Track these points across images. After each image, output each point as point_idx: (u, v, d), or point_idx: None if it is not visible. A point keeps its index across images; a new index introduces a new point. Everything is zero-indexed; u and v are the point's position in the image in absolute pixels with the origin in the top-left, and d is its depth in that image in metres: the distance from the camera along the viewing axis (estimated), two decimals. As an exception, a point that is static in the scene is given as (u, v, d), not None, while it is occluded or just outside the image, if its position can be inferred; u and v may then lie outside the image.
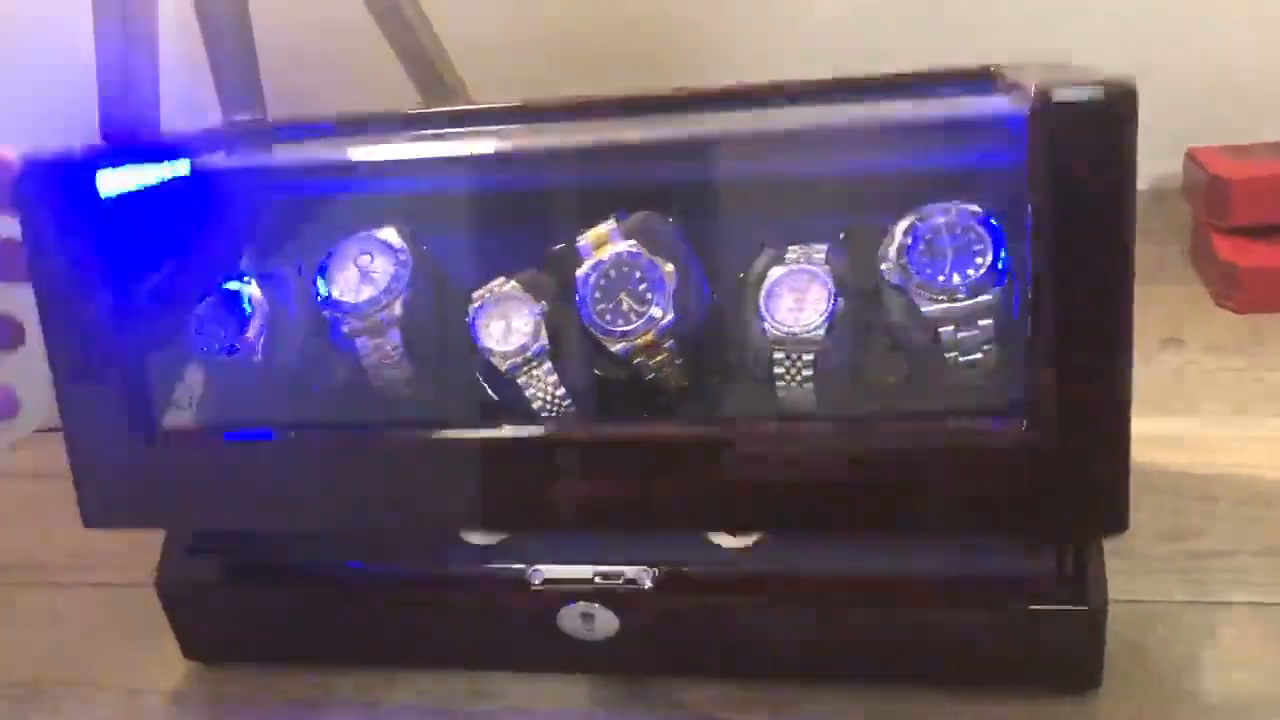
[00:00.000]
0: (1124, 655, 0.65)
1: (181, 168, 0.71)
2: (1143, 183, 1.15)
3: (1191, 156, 1.04)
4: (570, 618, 0.66)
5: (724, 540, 0.67)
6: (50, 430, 0.66)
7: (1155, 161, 1.13)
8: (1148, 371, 0.90)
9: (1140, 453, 0.81)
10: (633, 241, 0.65)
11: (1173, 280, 1.01)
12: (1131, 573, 0.71)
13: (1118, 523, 0.57)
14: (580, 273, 0.65)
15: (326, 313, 0.67)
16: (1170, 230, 1.07)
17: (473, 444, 0.63)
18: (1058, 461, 0.56)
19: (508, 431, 0.63)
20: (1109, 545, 0.63)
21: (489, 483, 0.63)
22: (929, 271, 0.60)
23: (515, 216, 0.76)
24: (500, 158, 0.76)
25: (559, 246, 0.69)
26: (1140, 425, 0.85)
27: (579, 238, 0.67)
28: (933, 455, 0.58)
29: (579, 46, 0.99)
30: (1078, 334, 0.55)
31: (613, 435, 0.63)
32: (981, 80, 0.70)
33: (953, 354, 0.61)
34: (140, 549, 0.73)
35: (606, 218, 0.67)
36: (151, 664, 0.75)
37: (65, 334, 0.64)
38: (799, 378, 0.62)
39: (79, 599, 0.83)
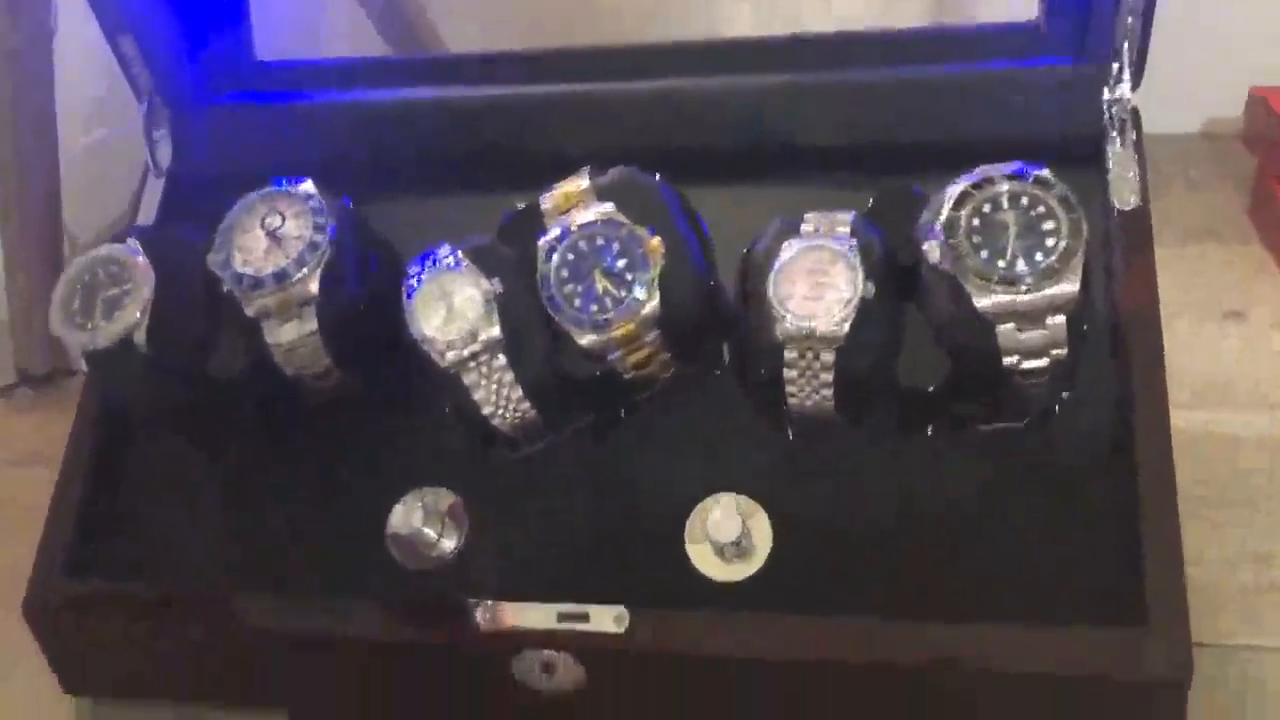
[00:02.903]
0: (1200, 716, 0.53)
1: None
2: (1196, 125, 1.02)
3: (1256, 98, 0.90)
4: (527, 666, 0.54)
5: (713, 571, 0.55)
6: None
7: (1212, 102, 1.00)
8: (1208, 352, 0.78)
9: (1204, 453, 0.70)
10: (610, 205, 0.52)
11: (1233, 239, 0.88)
12: (1204, 608, 0.59)
13: None
14: (543, 243, 0.52)
15: (227, 287, 0.54)
16: (1228, 181, 0.94)
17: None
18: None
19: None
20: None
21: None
22: (985, 253, 0.47)
23: (473, 174, 0.63)
24: (459, 104, 0.63)
25: (520, 207, 0.55)
26: (1202, 418, 0.75)
27: (543, 196, 0.54)
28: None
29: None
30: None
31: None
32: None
33: (1012, 358, 0.48)
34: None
35: (578, 172, 0.54)
36: (18, 698, 0.62)
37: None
38: (814, 384, 0.49)
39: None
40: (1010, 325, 0.47)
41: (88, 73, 0.84)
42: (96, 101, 0.87)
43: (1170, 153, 0.97)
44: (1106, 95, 0.57)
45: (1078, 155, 0.57)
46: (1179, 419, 0.56)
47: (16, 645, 0.61)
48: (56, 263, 0.84)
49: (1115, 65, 0.57)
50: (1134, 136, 0.57)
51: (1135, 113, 0.58)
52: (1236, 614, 0.60)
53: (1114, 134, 0.57)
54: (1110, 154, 0.57)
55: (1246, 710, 0.55)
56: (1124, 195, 0.56)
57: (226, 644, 0.57)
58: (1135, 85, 0.57)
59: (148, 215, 0.66)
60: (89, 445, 0.61)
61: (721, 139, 0.61)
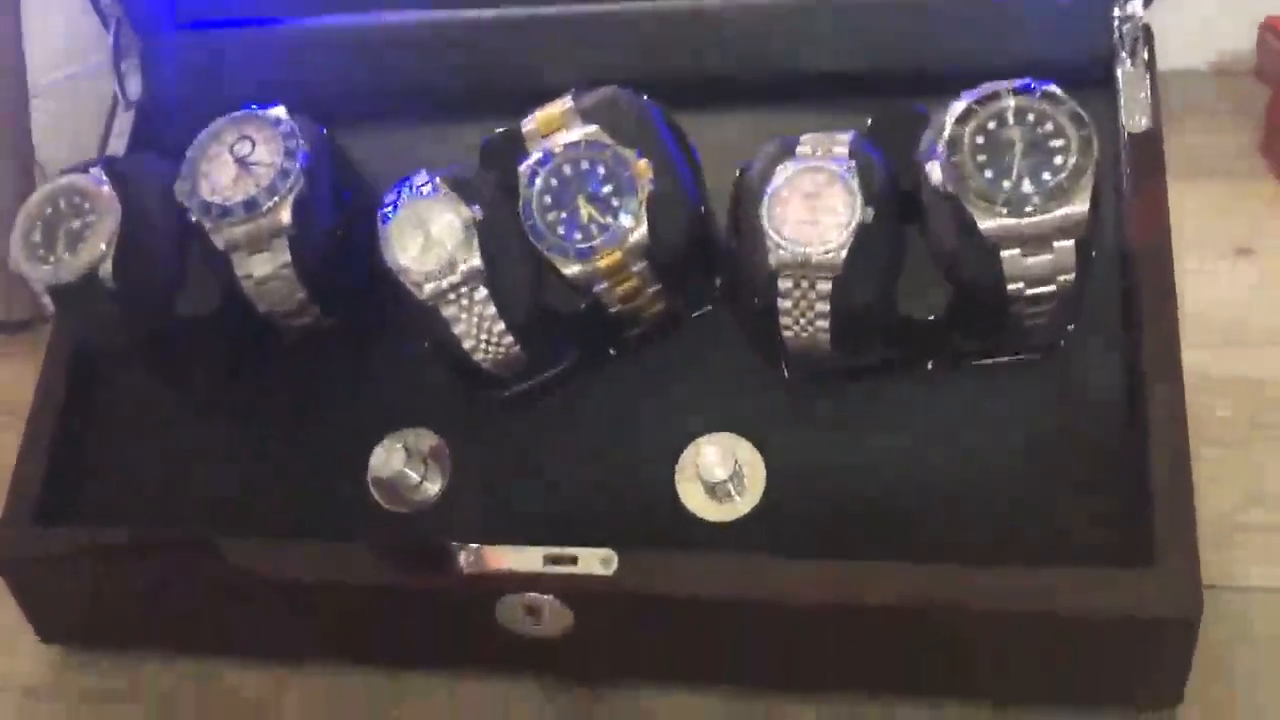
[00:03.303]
0: (1207, 657, 0.52)
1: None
2: (1205, 60, 0.99)
3: (1270, 29, 0.87)
4: (511, 610, 0.52)
5: (704, 511, 0.52)
6: None
7: (1223, 34, 0.97)
8: (1218, 290, 0.75)
9: (1213, 395, 0.68)
10: (594, 127, 0.50)
11: (1244, 175, 0.85)
12: (1212, 547, 0.57)
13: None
14: (524, 168, 0.50)
15: (194, 217, 0.51)
16: (1239, 117, 0.91)
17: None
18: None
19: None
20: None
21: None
22: (989, 173, 0.45)
23: (456, 101, 0.60)
24: (440, 27, 0.60)
25: (499, 131, 0.53)
26: (1211, 359, 0.72)
27: (524, 119, 0.51)
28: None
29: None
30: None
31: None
32: None
33: (1016, 285, 0.46)
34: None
35: (562, 94, 0.52)
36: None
37: None
38: (810, 314, 0.47)
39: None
40: (1015, 250, 0.45)
41: (56, 5, 0.81)
42: (66, 36, 0.84)
43: (1180, 87, 0.94)
44: (1117, 12, 0.55)
45: (1087, 77, 0.54)
46: (1186, 355, 0.55)
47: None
48: (28, 204, 0.82)
49: (1128, -21, 0.54)
50: (1145, 56, 0.55)
51: (1147, 30, 0.55)
52: (1241, 555, 0.58)
53: (1124, 53, 0.55)
54: (1120, 74, 0.54)
55: (1252, 651, 0.54)
56: (1135, 117, 0.54)
57: (203, 589, 0.56)
58: (1148, 2, 0.55)
59: (118, 149, 0.63)
60: (58, 389, 0.59)
61: (716, 63, 0.58)
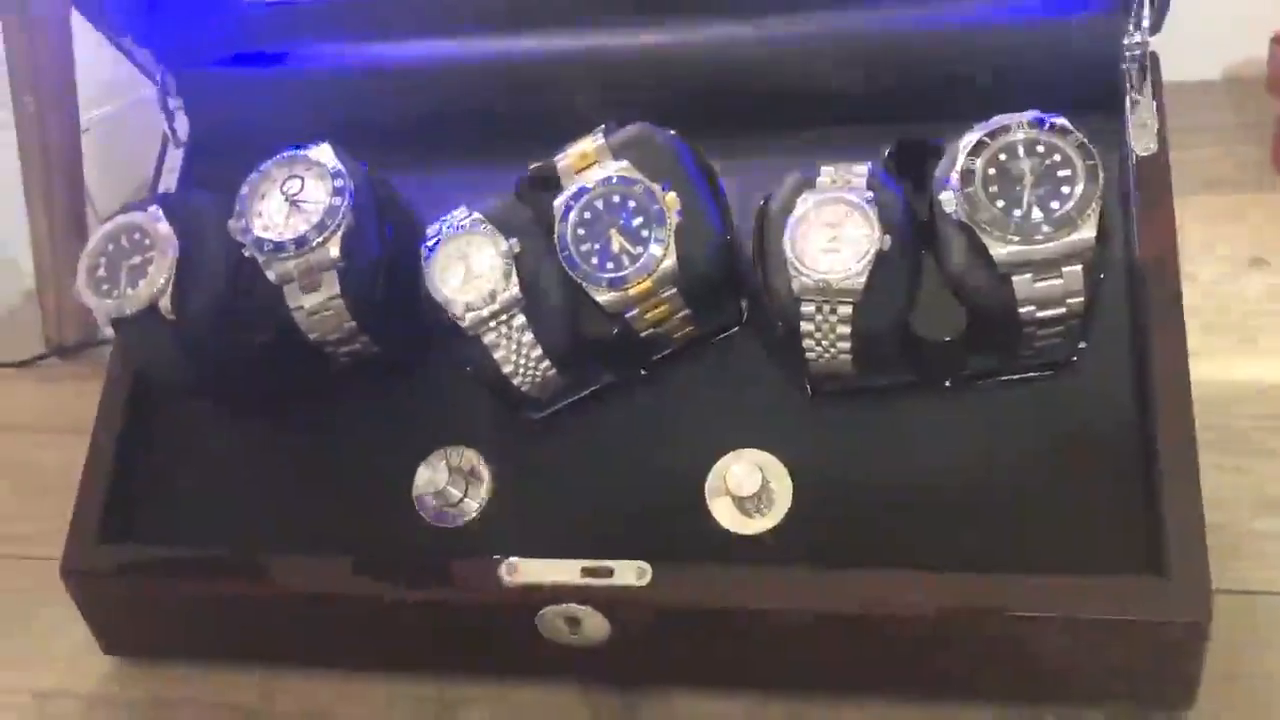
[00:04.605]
0: (1219, 661, 0.54)
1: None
2: (1217, 71, 1.01)
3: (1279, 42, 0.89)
4: (552, 621, 0.55)
5: (734, 525, 0.55)
6: None
7: (1234, 45, 0.99)
8: (1232, 300, 0.77)
9: (1228, 402, 0.70)
10: (625, 163, 0.52)
11: (1255, 187, 0.87)
12: (1225, 554, 0.59)
13: None
14: (559, 202, 0.52)
15: (248, 253, 0.54)
16: (1251, 129, 0.93)
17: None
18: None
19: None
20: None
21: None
22: (1001, 203, 0.47)
23: (491, 134, 0.63)
24: (474, 64, 0.63)
25: (535, 166, 0.56)
26: (1225, 367, 0.74)
27: (558, 156, 0.54)
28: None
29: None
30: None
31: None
32: None
33: (1028, 308, 0.48)
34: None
35: (593, 131, 0.54)
36: (61, 659, 0.64)
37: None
38: (832, 336, 0.50)
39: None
40: (1026, 275, 0.47)
41: (104, 41, 0.85)
42: (115, 70, 0.87)
43: (1191, 99, 0.96)
44: (1126, 40, 0.57)
45: (1097, 101, 0.57)
46: (1200, 365, 0.57)
47: (60, 607, 0.62)
48: (81, 233, 0.85)
49: (1135, 9, 0.56)
50: (1153, 82, 0.57)
51: (1155, 58, 0.57)
52: (1251, 560, 0.60)
53: (1132, 80, 0.57)
54: (1129, 100, 0.57)
55: (1264, 655, 0.56)
56: (1143, 141, 0.56)
57: (257, 603, 0.58)
58: (1155, 30, 0.57)
59: (168, 185, 0.67)
60: (119, 412, 0.62)
61: (738, 90, 0.60)
